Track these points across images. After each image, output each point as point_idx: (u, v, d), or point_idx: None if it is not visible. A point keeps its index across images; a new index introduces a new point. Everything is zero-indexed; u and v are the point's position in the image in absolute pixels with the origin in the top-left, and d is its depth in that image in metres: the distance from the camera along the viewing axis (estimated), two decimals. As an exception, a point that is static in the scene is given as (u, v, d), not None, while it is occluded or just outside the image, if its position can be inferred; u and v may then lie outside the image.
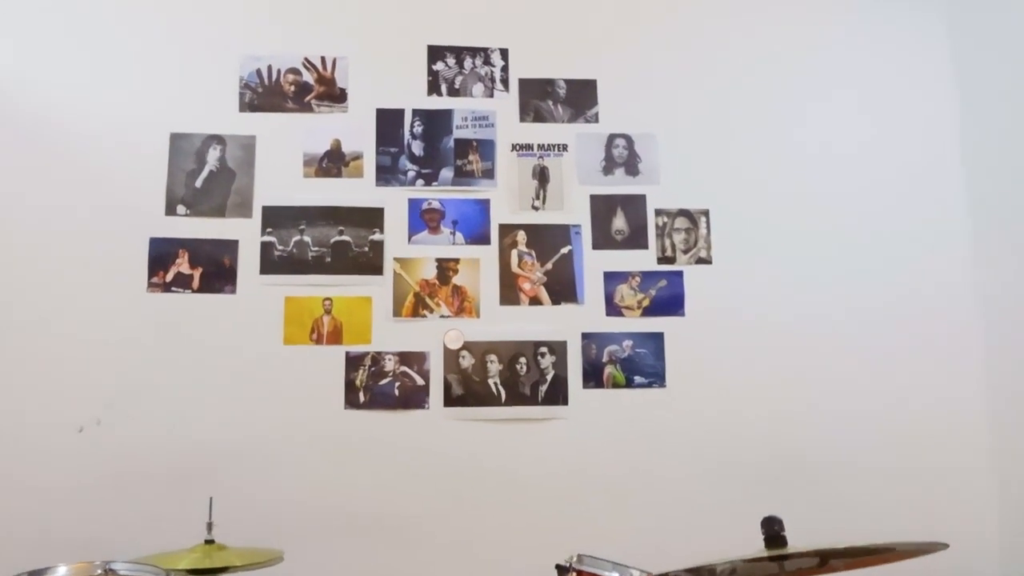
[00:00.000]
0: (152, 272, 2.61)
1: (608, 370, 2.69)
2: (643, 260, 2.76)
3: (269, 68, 2.74)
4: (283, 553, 2.04)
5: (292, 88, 2.74)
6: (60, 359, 2.53)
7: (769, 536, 1.40)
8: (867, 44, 2.96)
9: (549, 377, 2.67)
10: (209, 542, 1.96)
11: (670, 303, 2.74)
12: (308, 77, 2.75)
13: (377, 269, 2.68)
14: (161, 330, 2.58)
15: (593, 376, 2.68)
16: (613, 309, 2.72)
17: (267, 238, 2.66)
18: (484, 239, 2.72)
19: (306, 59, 2.76)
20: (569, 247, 2.74)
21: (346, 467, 2.57)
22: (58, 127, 2.64)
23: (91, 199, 2.61)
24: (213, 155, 2.68)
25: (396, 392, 2.62)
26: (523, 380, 2.66)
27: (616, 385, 2.69)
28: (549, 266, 2.73)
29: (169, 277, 2.61)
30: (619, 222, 2.77)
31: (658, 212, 2.79)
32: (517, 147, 2.79)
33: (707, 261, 2.78)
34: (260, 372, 2.59)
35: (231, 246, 2.65)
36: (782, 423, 2.70)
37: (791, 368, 2.73)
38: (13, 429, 2.48)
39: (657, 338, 2.71)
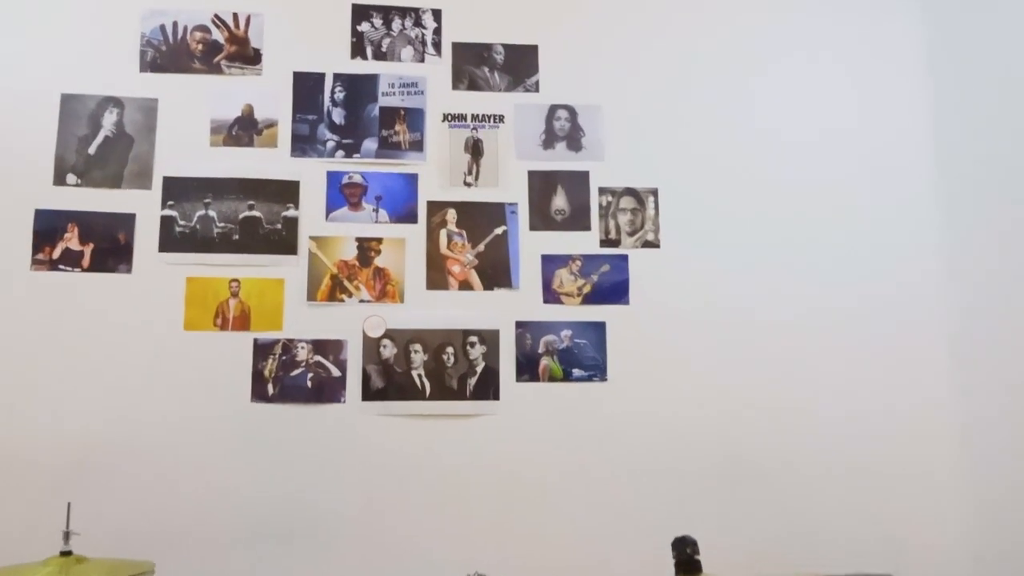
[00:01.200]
0: (37, 248, 2.33)
1: (544, 362, 2.46)
2: (585, 243, 2.52)
3: (175, 24, 2.47)
4: (154, 565, 1.79)
5: (200, 47, 2.48)
6: (-69, 343, 2.27)
7: (680, 560, 1.18)
8: (836, 17, 2.74)
9: (479, 369, 2.43)
10: (65, 553, 1.70)
11: (613, 290, 2.51)
12: (218, 36, 2.49)
13: (291, 248, 2.42)
14: (45, 311, 2.31)
15: (527, 368, 2.45)
16: (551, 296, 2.49)
17: (168, 212, 2.39)
18: (410, 217, 2.48)
19: (216, 16, 2.49)
20: (504, 227, 2.50)
21: (251, 466, 2.32)
22: (-69, 84, 2.37)
23: (-31, 165, 2.35)
24: (109, 119, 2.41)
25: (309, 384, 2.38)
26: (450, 372, 2.42)
27: (553, 378, 2.46)
28: (481, 248, 2.49)
29: (56, 253, 2.34)
30: (559, 201, 2.54)
31: (602, 191, 2.55)
32: (449, 117, 2.54)
33: (655, 245, 2.55)
34: (156, 360, 2.33)
35: (127, 220, 2.38)
36: (731, 423, 2.48)
37: (743, 364, 2.51)
38: None
39: (599, 328, 2.48)
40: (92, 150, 2.39)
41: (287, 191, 2.44)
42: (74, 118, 2.40)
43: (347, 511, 2.32)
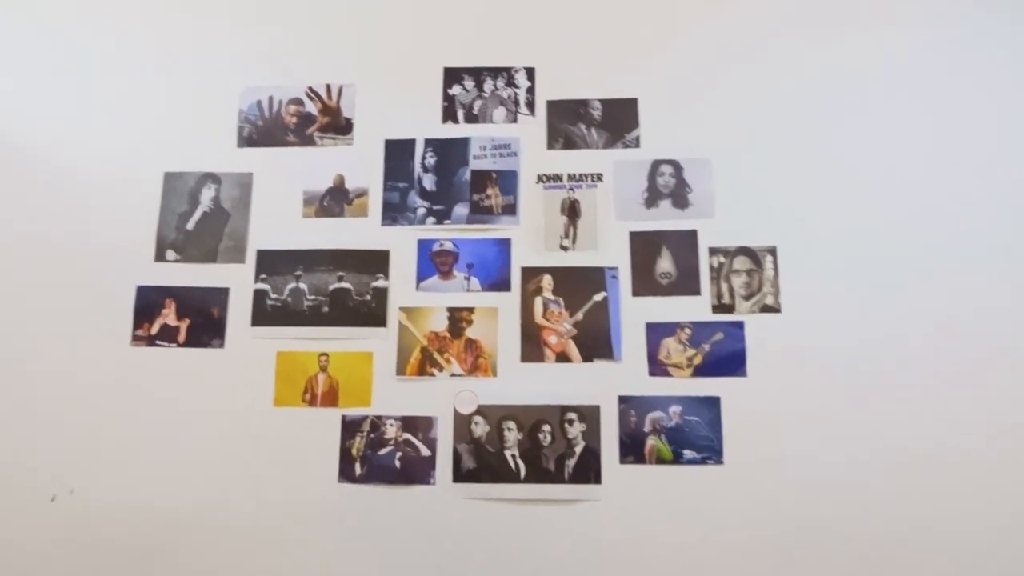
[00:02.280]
0: (137, 324, 2.36)
1: (651, 442, 2.22)
2: (695, 308, 2.29)
3: (270, 99, 2.49)
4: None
5: (294, 120, 2.48)
6: (38, 419, 2.31)
7: None
8: (964, 56, 2.42)
9: (578, 449, 2.22)
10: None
11: (728, 361, 2.25)
12: (311, 107, 2.48)
13: (380, 320, 2.33)
14: (143, 389, 2.31)
15: (632, 449, 2.22)
16: (657, 368, 2.26)
17: (260, 285, 2.37)
18: (503, 285, 2.34)
19: (310, 88, 2.49)
20: (604, 294, 2.31)
21: (336, 550, 2.20)
22: (46, 166, 2.46)
23: (79, 244, 2.40)
24: (207, 195, 2.43)
25: (397, 463, 2.25)
26: (547, 452, 2.23)
27: (661, 460, 2.21)
28: (580, 316, 2.30)
29: (155, 329, 2.35)
30: (665, 263, 2.33)
31: (713, 251, 2.32)
32: (544, 178, 2.40)
33: (774, 309, 2.28)
34: (247, 438, 2.27)
35: (221, 295, 2.37)
36: (869, 515, 2.13)
37: (881, 445, 2.17)
38: (-16, 496, 2.27)
39: (712, 403, 2.23)
40: (190, 226, 2.41)
41: (377, 261, 2.36)
42: (175, 195, 2.43)
43: (436, 603, 2.16)
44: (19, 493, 2.27)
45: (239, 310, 2.36)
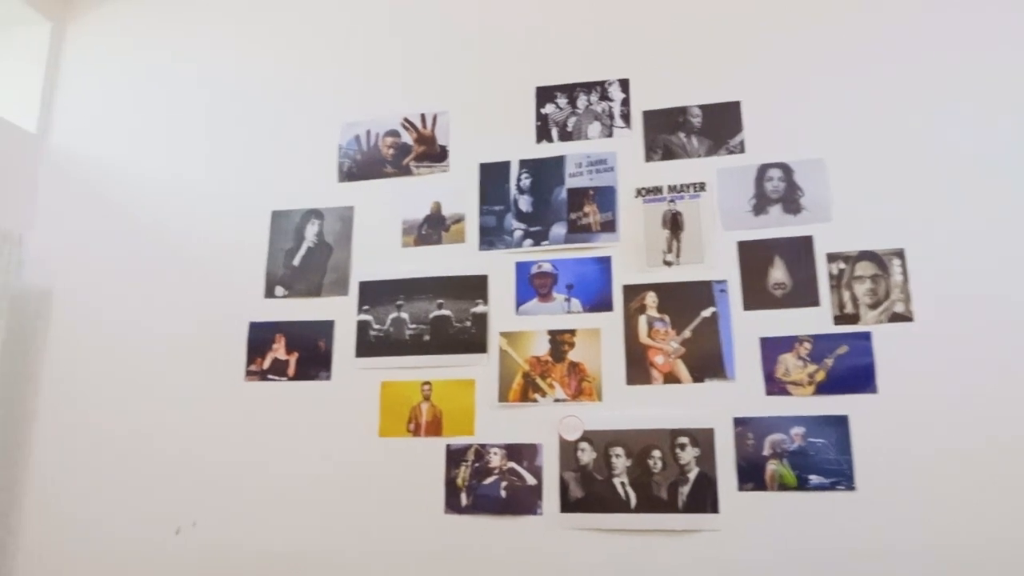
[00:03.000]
0: (250, 359, 2.43)
1: (772, 467, 2.05)
2: (814, 320, 2.11)
3: (368, 133, 2.53)
4: None
5: (391, 151, 2.50)
6: (163, 455, 2.41)
7: None
8: None
9: (692, 476, 2.08)
10: None
11: (855, 376, 2.06)
12: (407, 138, 2.49)
13: (481, 346, 2.29)
14: (257, 423, 2.37)
15: (751, 475, 2.06)
16: (775, 386, 2.10)
17: (363, 316, 2.38)
18: (605, 305, 2.24)
19: (405, 119, 2.51)
20: (713, 309, 2.17)
21: (445, 584, 2.16)
22: (162, 214, 2.60)
23: (194, 286, 2.51)
24: (311, 230, 2.49)
25: (503, 493, 2.18)
26: (658, 479, 2.10)
27: (784, 487, 2.03)
28: (688, 334, 2.18)
29: (266, 364, 2.41)
30: (778, 273, 2.16)
31: (832, 257, 2.14)
32: (643, 192, 2.30)
33: (906, 317, 2.06)
34: (353, 469, 2.27)
35: (326, 327, 2.40)
36: (1019, 542, 1.88)
37: (1044, 464, 1.91)
38: (115, 528, 2.38)
39: (839, 423, 2.03)
40: (296, 261, 2.47)
41: (476, 286, 2.33)
42: (282, 233, 2.50)
43: (548, 640, 2.06)
44: (147, 525, 2.36)
45: (344, 342, 2.38)
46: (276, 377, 2.40)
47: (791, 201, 2.20)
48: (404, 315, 2.36)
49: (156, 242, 2.58)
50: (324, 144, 2.55)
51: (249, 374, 2.42)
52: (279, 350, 2.42)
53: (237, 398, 2.40)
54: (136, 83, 2.77)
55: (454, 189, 2.42)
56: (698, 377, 2.14)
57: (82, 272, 2.62)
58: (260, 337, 2.44)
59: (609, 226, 2.29)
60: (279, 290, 2.46)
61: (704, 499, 2.06)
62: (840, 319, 2.10)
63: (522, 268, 2.32)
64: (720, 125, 2.30)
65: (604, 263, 2.27)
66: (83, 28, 2.89)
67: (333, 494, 2.27)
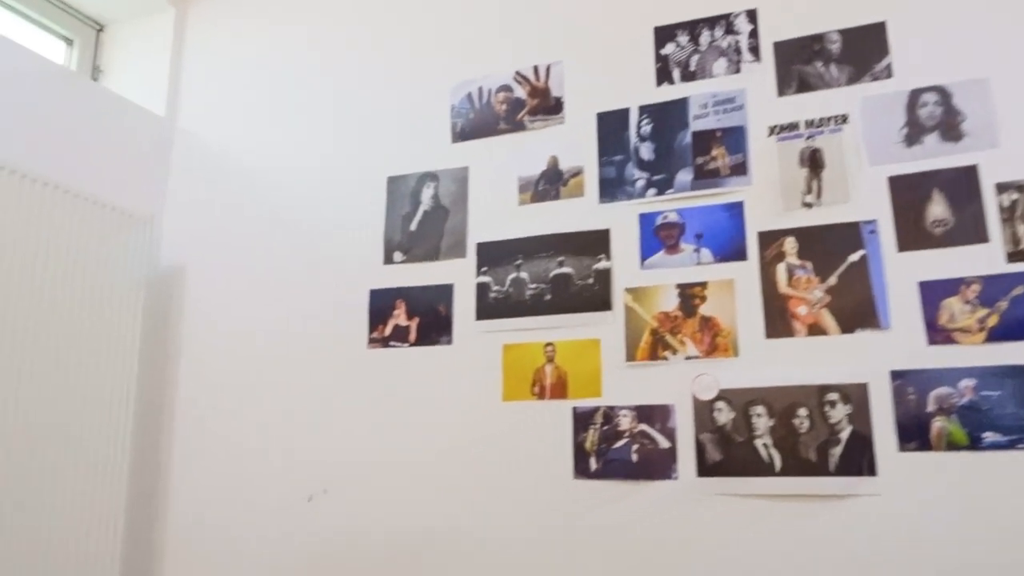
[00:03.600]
0: (372, 326, 2.41)
1: (938, 424, 1.83)
2: (983, 259, 1.86)
3: (479, 90, 2.44)
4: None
5: (504, 107, 2.41)
6: (292, 424, 2.43)
7: None
8: None
9: (844, 436, 1.89)
10: (356, 644, 1.59)
11: (1035, 320, 1.81)
12: (520, 92, 2.39)
13: (605, 304, 2.17)
14: (381, 391, 2.35)
15: (914, 433, 1.84)
16: (939, 334, 1.86)
17: (482, 279, 2.31)
18: (739, 254, 2.07)
19: (517, 73, 2.41)
20: (862, 252, 1.96)
21: (574, 549, 2.05)
22: (279, 186, 2.62)
23: (314, 256, 2.52)
24: (427, 194, 2.43)
25: (634, 457, 2.06)
26: (805, 440, 1.92)
27: (953, 446, 1.81)
28: (833, 280, 1.97)
29: (388, 331, 2.39)
30: (937, 209, 1.92)
31: (1001, 187, 1.88)
32: (777, 129, 2.10)
33: (1096, 251, 1.79)
34: (479, 435, 2.21)
35: (446, 291, 2.35)
36: None
37: None
38: (251, 496, 2.42)
39: (1018, 373, 1.78)
40: (413, 226, 2.43)
41: (597, 241, 2.21)
42: (398, 198, 2.46)
43: (689, 613, 1.93)
44: (281, 494, 2.39)
45: (464, 305, 2.31)
46: (398, 343, 2.37)
47: (950, 128, 1.95)
48: (524, 275, 2.27)
49: (279, 217, 2.60)
50: (436, 106, 2.49)
51: (371, 341, 2.40)
52: (400, 316, 2.38)
53: (361, 366, 2.39)
54: (254, 62, 2.80)
55: (571, 142, 2.30)
56: (847, 328, 1.94)
57: (212, 250, 2.69)
58: (381, 304, 2.41)
59: (740, 169, 2.12)
60: (397, 256, 2.43)
61: (859, 461, 1.87)
62: (1015, 256, 1.85)
63: (646, 220, 2.18)
64: (862, 50, 2.07)
65: (735, 209, 2.10)
66: (204, 12, 2.96)
67: (457, 460, 2.22)
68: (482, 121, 2.42)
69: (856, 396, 1.90)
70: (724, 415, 2.00)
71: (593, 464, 2.09)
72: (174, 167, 2.83)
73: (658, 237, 2.15)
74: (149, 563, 2.50)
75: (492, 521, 2.15)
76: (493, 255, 2.31)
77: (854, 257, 1.97)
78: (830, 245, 1.99)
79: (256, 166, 2.69)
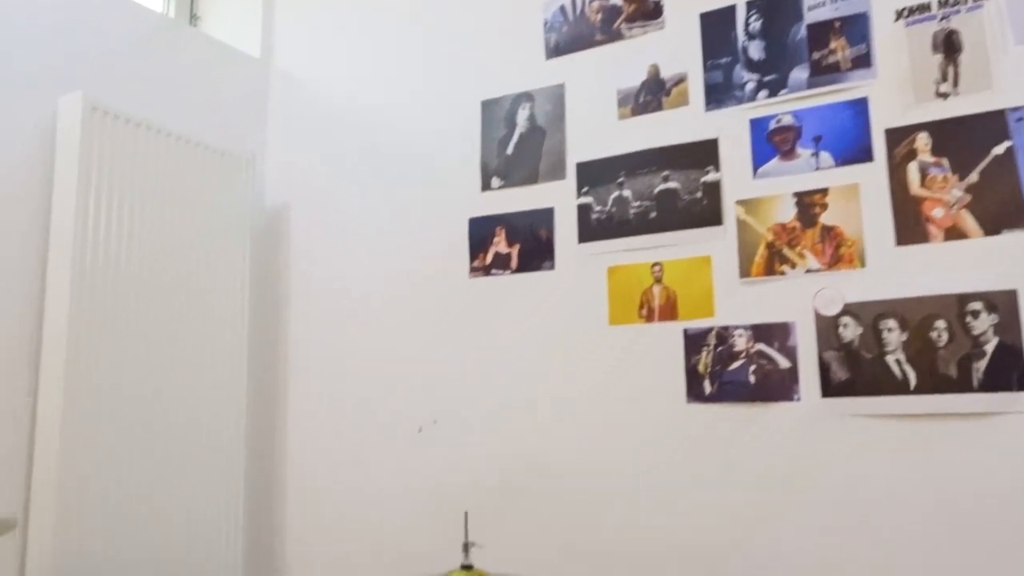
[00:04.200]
0: (473, 255, 2.36)
1: (1102, 332, 1.62)
2: None
3: (573, 1, 2.31)
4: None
5: (599, 16, 2.26)
6: (403, 357, 2.43)
7: None
8: None
9: (989, 348, 1.70)
10: (466, 567, 1.57)
11: None
12: (616, -1, 2.25)
13: (715, 219, 2.03)
14: (484, 320, 2.31)
15: (1073, 343, 1.64)
16: (1102, 231, 1.65)
17: (583, 200, 2.21)
18: (863, 155, 1.88)
19: (612, -22, 2.26)
20: (1008, 143, 1.74)
21: (690, 476, 1.97)
22: (374, 119, 2.58)
23: (413, 190, 2.48)
24: (522, 115, 2.34)
25: (752, 379, 1.94)
26: (944, 355, 1.74)
27: (1121, 356, 1.60)
28: (974, 178, 1.76)
29: (489, 259, 2.33)
30: (1100, 88, 1.68)
31: None
32: (905, 13, 1.88)
33: None
34: (584, 361, 2.14)
35: (546, 215, 2.26)
36: None
37: None
38: (365, 427, 2.45)
39: None
40: (510, 150, 2.34)
41: (705, 152, 2.06)
42: (493, 122, 2.38)
43: (802, 543, 1.81)
44: (392, 425, 2.40)
45: (565, 228, 2.22)
46: (499, 271, 2.31)
47: (1115, -8, 1.70)
48: (627, 193, 2.15)
49: (376, 151, 2.57)
50: (528, 22, 2.37)
51: (473, 271, 2.35)
52: (500, 243, 2.32)
53: (463, 296, 2.35)
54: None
55: (672, 47, 2.14)
56: (992, 229, 1.74)
57: (314, 187, 2.69)
58: (480, 232, 2.35)
59: (863, 61, 1.91)
60: (495, 182, 2.35)
61: (1007, 375, 1.68)
62: None
63: (757, 125, 2.01)
64: (1006, -88, 1.81)
65: (859, 106, 1.90)
66: (291, -51, 2.93)
67: (564, 388, 2.16)
68: (576, 34, 2.29)
69: (1003, 304, 1.70)
70: (850, 331, 1.84)
71: (707, 387, 1.99)
72: (272, 107, 2.84)
73: (771, 143, 1.99)
74: (269, 498, 2.58)
75: (602, 449, 2.09)
76: (594, 174, 2.20)
77: (999, 150, 1.75)
78: (970, 138, 1.78)
79: (350, 101, 2.66)
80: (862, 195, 1.87)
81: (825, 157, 1.92)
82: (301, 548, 2.50)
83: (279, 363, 2.65)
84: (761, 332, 1.94)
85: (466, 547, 1.58)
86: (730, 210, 2.02)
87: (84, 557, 1.91)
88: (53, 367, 1.98)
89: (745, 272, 1.98)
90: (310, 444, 2.55)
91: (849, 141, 1.90)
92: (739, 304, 1.97)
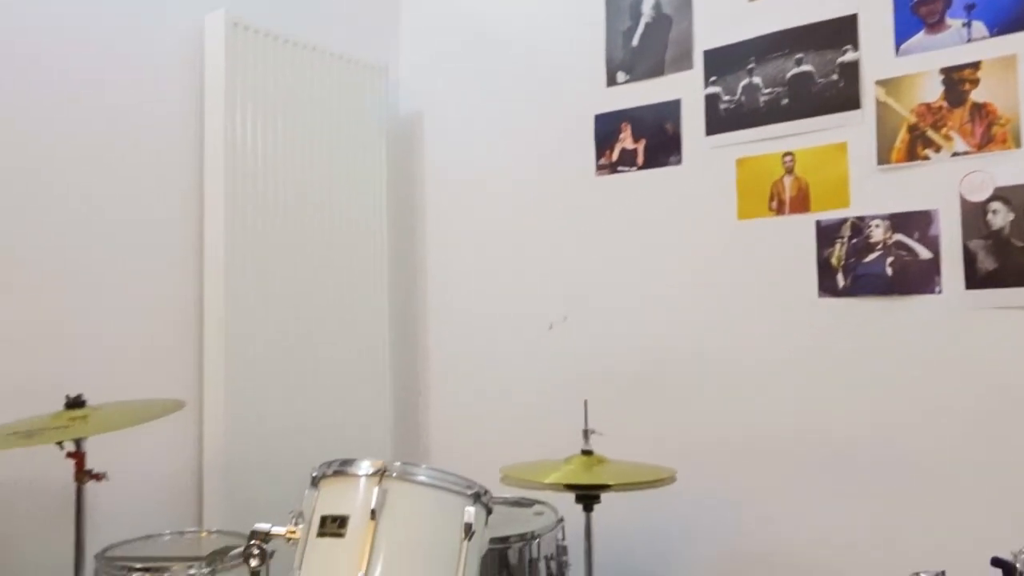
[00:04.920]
0: (599, 153, 2.35)
1: None
2: None
3: None
4: (675, 473, 1.59)
5: None
6: (533, 256, 2.48)
7: None
8: None
9: None
10: (587, 452, 1.63)
11: None
12: None
13: (852, 102, 1.90)
14: (612, 217, 2.31)
15: None
16: None
17: (711, 89, 2.13)
18: (1022, 22, 1.69)
19: None
20: None
21: (823, 372, 1.93)
22: (497, 23, 2.56)
23: (539, 90, 2.46)
24: (647, 3, 2.25)
25: (889, 271, 1.84)
26: (1109, 240, 1.59)
27: None
28: None
29: (615, 156, 2.31)
30: None
31: None
32: None
33: None
34: (711, 257, 2.11)
35: (673, 108, 2.20)
36: None
37: None
38: (498, 324, 2.54)
39: None
40: (635, 41, 2.27)
41: (842, 30, 1.92)
42: (617, 13, 2.31)
43: (940, 443, 1.74)
44: (523, 324, 2.48)
45: (692, 121, 2.16)
46: (626, 168, 2.29)
47: None
48: (756, 80, 2.05)
49: (504, 54, 2.56)
50: (653, -98, 2.27)
51: (599, 168, 2.34)
52: (626, 140, 2.29)
53: (590, 194, 2.35)
54: None
55: (808, -84, 1.99)
56: None
57: (445, 94, 2.74)
58: (606, 129, 2.33)
59: (1027, -87, 1.70)
60: (620, 76, 2.31)
61: None
62: None
63: (902, -4, 1.85)
64: None
65: (1021, -34, 1.71)
66: None
67: (693, 284, 2.14)
68: (703, -89, 2.17)
69: None
70: (1000, 217, 1.71)
71: (840, 281, 1.91)
72: (403, 16, 2.89)
73: (917, 15, 1.82)
74: (416, 395, 2.75)
75: (731, 345, 2.07)
76: (722, 62, 2.11)
77: None
78: None
79: (478, 5, 2.66)
80: (1020, 67, 1.69)
81: (978, 27, 1.74)
82: (442, 430, 2.67)
83: (417, 263, 2.78)
84: (900, 222, 1.83)
85: (586, 433, 1.65)
86: (869, 92, 1.88)
87: (251, 432, 2.15)
88: (214, 267, 2.19)
89: (884, 158, 1.86)
90: (447, 337, 2.68)
91: (1007, 6, 1.71)
92: (876, 193, 1.87)
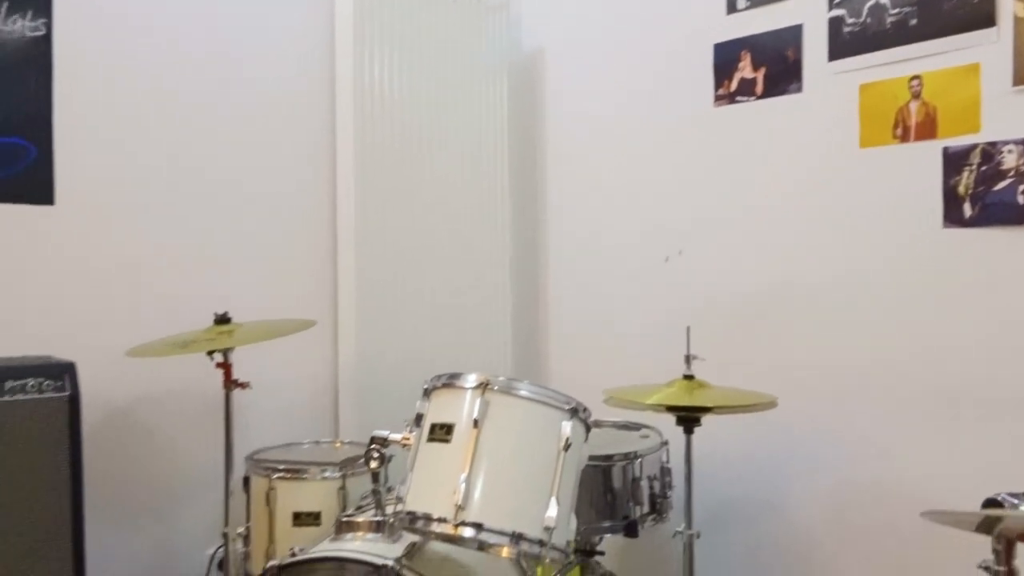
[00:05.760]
0: (718, 83, 2.31)
1: None
2: None
3: None
4: (775, 400, 1.60)
5: None
6: (649, 188, 2.50)
7: None
8: None
9: None
10: (688, 377, 1.67)
11: None
12: None
13: (986, 20, 1.79)
14: (731, 148, 2.28)
15: None
16: None
17: (835, 12, 2.04)
18: None
19: None
20: None
21: (945, 305, 1.86)
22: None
23: (656, 18, 2.44)
24: (766, -75, 2.18)
25: (1021, 199, 1.75)
26: None
27: None
28: None
29: (734, 86, 2.27)
30: None
31: None
32: None
33: None
34: (836, 187, 2.06)
35: (794, 33, 2.13)
36: None
37: None
38: (614, 256, 2.58)
39: None
40: (751, -35, 2.22)
41: (979, -58, 1.80)
42: (739, -63, 2.25)
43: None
44: (641, 254, 2.52)
45: (815, 46, 2.09)
46: (745, 98, 2.25)
47: None
48: (884, 0, 1.96)
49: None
50: None
51: (718, 99, 2.31)
52: (745, 69, 2.25)
53: (709, 125, 2.33)
54: None
55: None
56: None
57: (564, 28, 2.76)
58: (725, 58, 2.29)
59: None
60: (741, 3, 2.25)
61: None
62: None
63: (1049, -100, 1.71)
64: None
65: None
66: None
67: (813, 215, 2.10)
68: None
69: None
70: None
71: (967, 210, 1.83)
72: (524, -49, 2.92)
73: (1065, -80, 1.68)
74: (534, 319, 2.86)
75: (853, 277, 2.03)
76: (847, -17, 2.03)
77: None
78: None
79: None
80: None
81: None
82: (558, 355, 2.77)
83: (537, 196, 2.85)
84: (1036, 146, 1.73)
85: (688, 359, 1.69)
86: (1007, 7, 1.76)
87: (380, 351, 2.34)
88: (346, 197, 2.37)
89: (1021, 79, 1.74)
90: (566, 268, 2.75)
91: None
92: (1011, 116, 1.76)
